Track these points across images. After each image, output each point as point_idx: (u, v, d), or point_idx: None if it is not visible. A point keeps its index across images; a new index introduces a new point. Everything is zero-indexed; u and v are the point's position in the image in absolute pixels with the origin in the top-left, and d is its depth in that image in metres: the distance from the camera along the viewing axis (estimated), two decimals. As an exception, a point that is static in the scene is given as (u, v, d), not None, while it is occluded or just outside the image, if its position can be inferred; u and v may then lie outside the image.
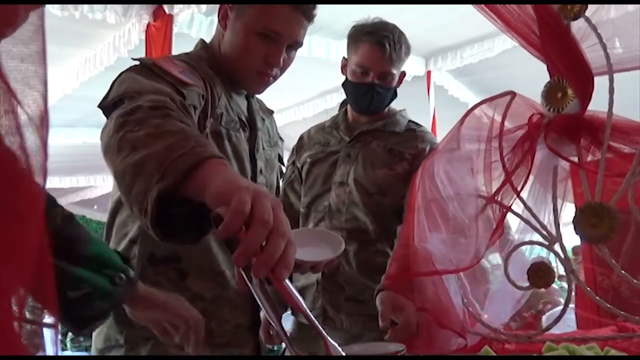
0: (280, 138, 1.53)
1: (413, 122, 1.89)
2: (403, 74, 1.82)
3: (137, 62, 1.13)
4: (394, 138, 1.80)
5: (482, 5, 1.24)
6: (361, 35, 1.72)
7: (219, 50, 1.30)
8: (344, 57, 1.82)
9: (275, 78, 1.30)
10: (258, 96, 1.44)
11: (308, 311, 0.74)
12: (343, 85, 1.82)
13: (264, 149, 1.37)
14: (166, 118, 0.87)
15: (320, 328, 0.73)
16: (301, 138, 1.97)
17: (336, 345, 0.75)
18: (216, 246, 1.21)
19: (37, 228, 0.37)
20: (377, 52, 1.69)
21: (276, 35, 1.22)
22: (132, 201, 0.77)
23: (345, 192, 1.77)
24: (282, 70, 1.30)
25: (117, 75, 1.09)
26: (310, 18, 1.26)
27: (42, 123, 0.36)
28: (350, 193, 1.76)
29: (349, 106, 1.89)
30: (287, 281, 0.68)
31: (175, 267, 1.18)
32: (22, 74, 0.36)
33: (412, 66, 5.00)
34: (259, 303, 0.70)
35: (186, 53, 1.31)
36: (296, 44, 1.27)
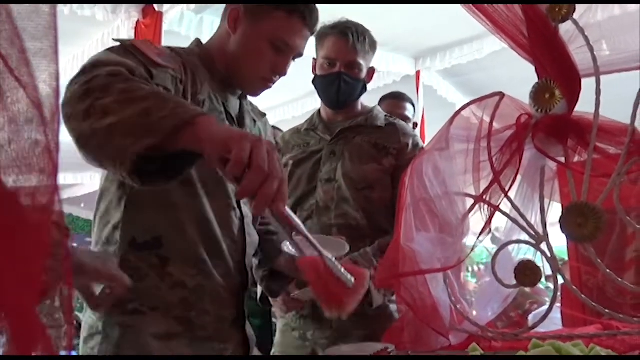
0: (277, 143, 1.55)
1: (389, 116, 1.91)
2: (372, 70, 1.84)
3: (118, 43, 1.15)
4: (376, 133, 1.82)
5: (472, 6, 1.25)
6: (326, 30, 1.77)
7: (221, 50, 1.32)
8: (313, 58, 1.85)
9: (273, 84, 1.36)
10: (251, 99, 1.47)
11: (306, 231, 0.90)
12: (313, 82, 1.84)
13: None
14: (128, 82, 0.93)
15: (316, 244, 0.91)
16: (276, 143, 1.95)
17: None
18: (197, 233, 1.21)
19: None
20: (341, 42, 1.74)
21: (287, 47, 1.28)
22: (105, 157, 0.89)
23: (333, 189, 1.76)
24: (280, 77, 1.37)
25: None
26: (313, 34, 1.36)
27: (54, 118, 0.37)
28: (339, 189, 1.76)
29: (321, 107, 1.91)
30: (287, 209, 0.84)
31: (156, 253, 1.18)
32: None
33: (401, 66, 5.02)
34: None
35: (180, 47, 1.33)
36: (298, 56, 1.35)
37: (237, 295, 1.30)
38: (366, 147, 1.79)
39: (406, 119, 2.61)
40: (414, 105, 2.78)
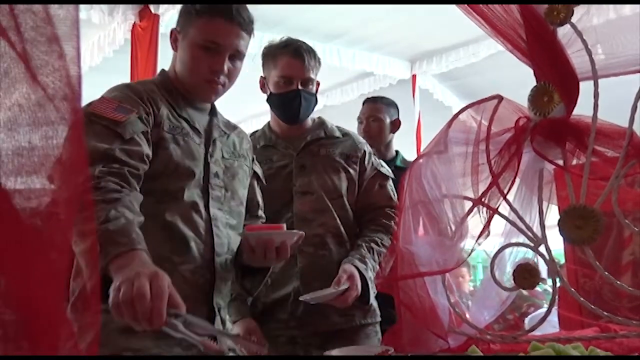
0: (254, 160, 1.63)
1: (337, 126, 2.02)
2: (318, 84, 1.94)
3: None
4: (337, 144, 1.93)
5: (471, 10, 1.25)
6: (277, 50, 1.86)
7: (174, 71, 1.45)
8: (261, 76, 1.92)
9: (224, 86, 1.44)
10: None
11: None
12: (268, 100, 1.90)
13: (223, 157, 1.47)
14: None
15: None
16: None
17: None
18: (162, 236, 1.30)
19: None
20: (296, 61, 1.83)
21: (217, 46, 1.37)
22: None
23: (310, 201, 1.84)
24: (231, 79, 1.44)
25: None
26: (248, 31, 1.42)
27: (76, 115, 0.37)
28: (317, 200, 1.83)
29: (274, 123, 1.97)
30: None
31: None
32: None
33: (397, 69, 5.03)
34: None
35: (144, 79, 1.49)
36: (238, 54, 1.42)
37: (205, 293, 1.36)
38: (335, 159, 1.89)
39: (381, 120, 2.67)
40: (395, 106, 2.78)
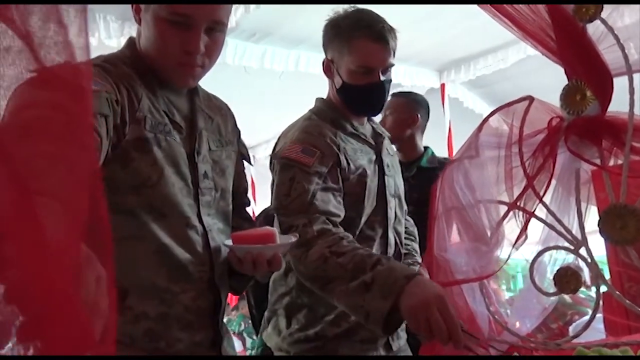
0: (240, 137, 1.39)
1: None
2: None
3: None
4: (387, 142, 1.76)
5: (498, 13, 1.24)
6: (353, 31, 1.52)
7: (142, 48, 1.20)
8: (327, 59, 1.61)
9: (204, 67, 1.17)
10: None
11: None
12: (340, 89, 1.58)
13: (210, 149, 1.24)
14: None
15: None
16: (329, 141, 1.55)
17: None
18: (156, 262, 1.12)
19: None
20: (378, 46, 1.52)
21: (187, 18, 1.09)
22: None
23: (398, 206, 1.69)
24: (211, 57, 1.17)
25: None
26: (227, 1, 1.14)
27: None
28: (399, 207, 1.69)
29: (344, 110, 1.63)
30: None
31: None
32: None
33: (425, 79, 5.00)
34: None
35: (110, 54, 1.22)
36: (217, 25, 1.13)
37: (211, 317, 1.22)
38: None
39: (395, 114, 2.49)
40: (419, 103, 2.62)
